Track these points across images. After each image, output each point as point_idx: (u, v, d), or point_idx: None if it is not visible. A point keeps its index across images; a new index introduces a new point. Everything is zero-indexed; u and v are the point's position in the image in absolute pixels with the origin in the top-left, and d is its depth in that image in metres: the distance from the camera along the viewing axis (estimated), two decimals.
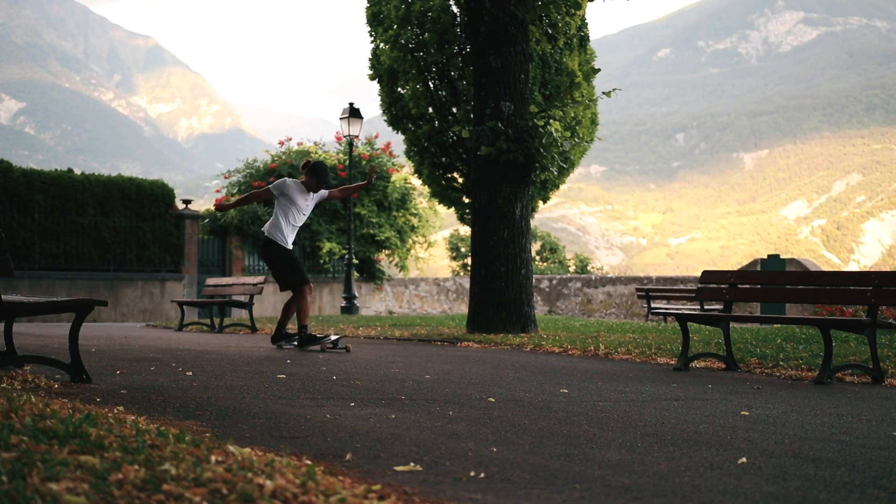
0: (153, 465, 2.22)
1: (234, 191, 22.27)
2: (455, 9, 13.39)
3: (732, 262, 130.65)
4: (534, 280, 16.90)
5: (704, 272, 7.79)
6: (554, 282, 23.69)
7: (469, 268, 14.77)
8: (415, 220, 23.13)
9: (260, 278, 12.67)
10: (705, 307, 14.29)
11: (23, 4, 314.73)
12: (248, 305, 12.65)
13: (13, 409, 3.02)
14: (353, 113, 19.41)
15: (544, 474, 2.75)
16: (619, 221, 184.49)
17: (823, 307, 13.59)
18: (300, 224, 8.52)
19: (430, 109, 14.43)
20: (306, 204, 8.44)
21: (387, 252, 23.14)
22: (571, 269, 34.74)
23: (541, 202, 16.85)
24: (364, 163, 22.54)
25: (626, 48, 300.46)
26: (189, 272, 20.07)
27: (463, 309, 24.66)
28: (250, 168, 22.68)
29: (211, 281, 14.39)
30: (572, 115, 14.92)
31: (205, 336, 11.32)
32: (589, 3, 12.94)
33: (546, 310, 23.15)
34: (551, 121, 11.31)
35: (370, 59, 15.21)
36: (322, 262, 22.18)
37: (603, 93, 11.03)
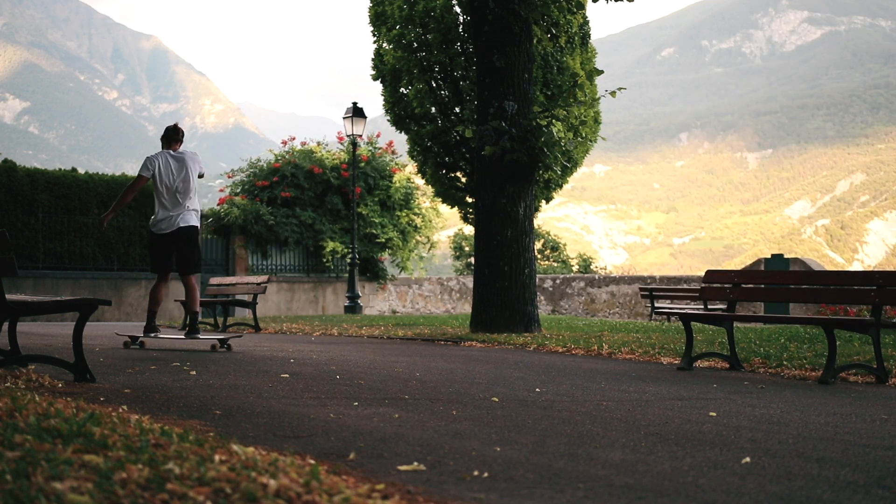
0: (157, 464, 2.22)
1: (238, 190, 22.29)
2: (458, 8, 13.38)
3: (736, 261, 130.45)
4: (537, 280, 16.89)
5: (708, 272, 7.78)
6: (557, 281, 23.67)
7: (472, 267, 14.75)
8: (418, 220, 23.11)
9: (263, 277, 12.64)
10: (709, 307, 14.27)
11: (27, 4, 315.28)
12: (251, 305, 12.65)
13: (17, 408, 3.02)
14: (357, 112, 19.35)
15: (548, 474, 2.75)
16: (622, 221, 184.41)
17: (827, 307, 13.58)
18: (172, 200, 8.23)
19: (434, 109, 14.43)
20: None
21: (388, 252, 23.12)
22: (574, 268, 34.66)
23: (544, 202, 16.85)
24: (363, 164, 22.52)
25: (629, 48, 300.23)
26: None
27: (466, 308, 24.66)
28: (254, 167, 22.70)
29: (214, 280, 14.39)
30: (576, 114, 14.92)
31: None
32: (591, 3, 12.93)
33: (549, 309, 23.14)
34: (553, 121, 11.30)
35: (373, 59, 15.21)
36: (325, 261, 22.20)
37: (608, 91, 11.00)
